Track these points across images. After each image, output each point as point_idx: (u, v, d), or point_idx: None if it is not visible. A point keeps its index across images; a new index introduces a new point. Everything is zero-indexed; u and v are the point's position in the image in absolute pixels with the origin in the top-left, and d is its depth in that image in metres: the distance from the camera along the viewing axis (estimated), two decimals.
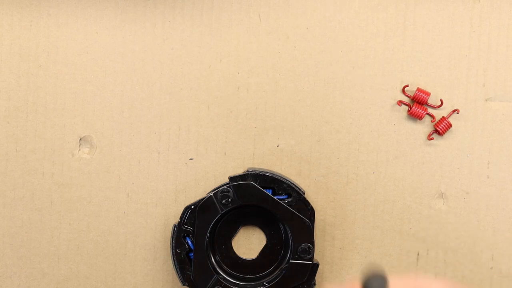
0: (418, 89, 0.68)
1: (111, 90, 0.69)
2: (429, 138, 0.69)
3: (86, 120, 0.69)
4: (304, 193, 0.66)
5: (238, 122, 0.69)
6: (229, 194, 0.65)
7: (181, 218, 0.66)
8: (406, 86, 0.69)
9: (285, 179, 0.67)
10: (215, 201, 0.66)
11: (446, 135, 0.69)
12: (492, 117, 0.69)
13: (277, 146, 0.69)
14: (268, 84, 0.69)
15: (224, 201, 0.66)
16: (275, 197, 0.66)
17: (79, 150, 0.70)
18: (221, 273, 0.67)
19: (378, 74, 0.69)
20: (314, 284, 0.67)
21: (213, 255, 0.68)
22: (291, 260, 0.66)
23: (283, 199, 0.66)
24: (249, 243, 0.69)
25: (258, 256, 0.69)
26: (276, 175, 0.67)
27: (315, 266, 0.66)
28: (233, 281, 0.67)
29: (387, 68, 0.69)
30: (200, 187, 0.69)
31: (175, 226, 0.66)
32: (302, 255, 0.66)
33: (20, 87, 0.69)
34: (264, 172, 0.67)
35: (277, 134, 0.69)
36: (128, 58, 0.69)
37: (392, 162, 0.69)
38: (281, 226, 0.68)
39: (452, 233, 0.69)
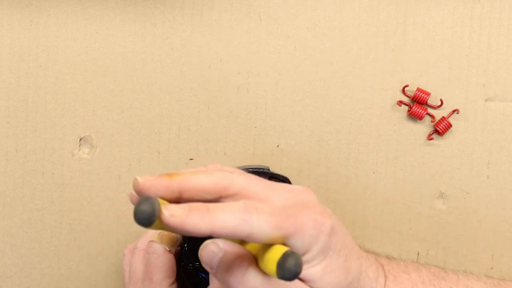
0: (418, 89, 0.68)
1: (111, 90, 0.69)
2: (429, 138, 0.69)
3: (86, 120, 0.69)
4: (268, 169, 0.66)
5: (238, 122, 0.69)
6: None
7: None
8: (406, 86, 0.69)
9: (261, 168, 0.66)
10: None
11: (446, 135, 0.69)
12: (492, 117, 0.69)
13: (277, 146, 0.69)
14: (268, 84, 0.69)
15: None
16: None
17: (79, 150, 0.70)
18: None
19: (378, 74, 0.69)
20: None
21: None
22: None
23: None
24: None
25: None
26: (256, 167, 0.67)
27: None
28: None
29: (387, 68, 0.69)
30: None
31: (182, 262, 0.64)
32: None
33: (20, 87, 0.69)
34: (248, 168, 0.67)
35: (277, 134, 0.69)
36: (128, 58, 0.69)
37: (392, 162, 0.69)
38: None
39: (452, 233, 0.69)
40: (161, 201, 0.44)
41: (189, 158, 0.69)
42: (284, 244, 0.46)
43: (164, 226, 0.45)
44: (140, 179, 0.45)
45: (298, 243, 0.45)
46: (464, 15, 0.69)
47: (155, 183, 0.45)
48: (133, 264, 0.60)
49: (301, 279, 0.47)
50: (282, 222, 0.45)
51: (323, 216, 0.47)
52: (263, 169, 0.66)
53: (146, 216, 0.42)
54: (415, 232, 0.69)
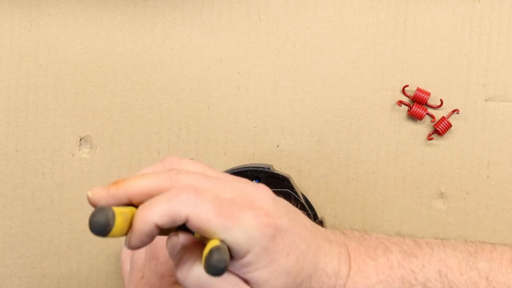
0: (418, 89, 0.68)
1: (111, 90, 0.69)
2: (429, 138, 0.69)
3: (86, 120, 0.69)
4: (269, 168, 0.66)
5: (238, 122, 0.69)
6: None
7: None
8: (406, 86, 0.69)
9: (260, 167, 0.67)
10: None
11: (446, 135, 0.69)
12: (492, 117, 0.69)
13: (277, 146, 0.69)
14: (268, 84, 0.69)
15: None
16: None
17: (79, 150, 0.70)
18: None
19: (378, 74, 0.69)
20: None
21: None
22: None
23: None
24: None
25: None
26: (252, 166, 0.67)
27: None
28: None
29: (387, 68, 0.69)
30: None
31: None
32: None
33: (20, 87, 0.69)
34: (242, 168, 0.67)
35: (277, 134, 0.69)
36: (128, 58, 0.69)
37: (392, 162, 0.69)
38: None
39: (452, 233, 0.69)
40: (117, 209, 0.44)
41: (190, 158, 0.69)
42: (224, 239, 0.45)
43: (126, 233, 0.45)
44: (89, 194, 0.46)
45: (238, 239, 0.44)
46: (464, 15, 0.69)
47: (103, 194, 0.46)
48: (136, 251, 0.60)
49: (247, 282, 0.46)
50: (222, 211, 0.44)
51: (268, 217, 0.46)
52: (263, 167, 0.66)
53: (101, 227, 0.42)
54: (415, 232, 0.69)
